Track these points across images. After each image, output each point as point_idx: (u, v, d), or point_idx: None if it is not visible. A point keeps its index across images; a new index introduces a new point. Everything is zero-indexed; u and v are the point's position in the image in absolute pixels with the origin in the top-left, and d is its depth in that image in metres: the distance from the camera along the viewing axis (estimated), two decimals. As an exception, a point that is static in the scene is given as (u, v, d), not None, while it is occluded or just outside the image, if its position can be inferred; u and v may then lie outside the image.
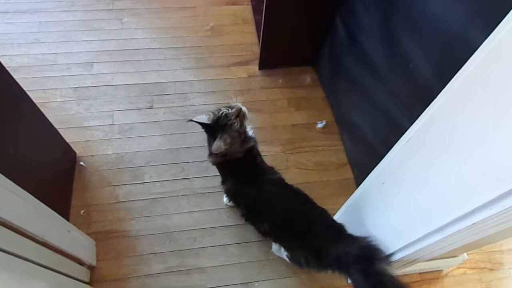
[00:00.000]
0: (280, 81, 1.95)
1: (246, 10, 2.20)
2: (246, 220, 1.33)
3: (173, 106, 1.82)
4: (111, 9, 2.14)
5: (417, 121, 0.85)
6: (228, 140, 1.12)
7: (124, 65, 1.94)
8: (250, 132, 1.25)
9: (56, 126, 1.46)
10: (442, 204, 0.77)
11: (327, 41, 1.77)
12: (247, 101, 1.85)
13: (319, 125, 1.80)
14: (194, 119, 1.16)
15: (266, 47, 1.85)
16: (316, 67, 1.98)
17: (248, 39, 2.09)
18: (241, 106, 1.17)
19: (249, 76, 1.96)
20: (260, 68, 1.97)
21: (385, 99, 1.29)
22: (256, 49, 2.02)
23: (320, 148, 1.75)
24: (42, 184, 1.32)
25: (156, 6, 2.17)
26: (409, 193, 0.91)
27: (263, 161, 1.31)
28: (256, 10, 2.15)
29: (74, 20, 2.08)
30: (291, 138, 1.77)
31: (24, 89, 1.25)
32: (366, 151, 1.52)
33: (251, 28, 2.13)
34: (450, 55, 0.89)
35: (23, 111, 1.27)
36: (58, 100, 1.79)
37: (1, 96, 1.11)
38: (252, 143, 1.23)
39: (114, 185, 1.58)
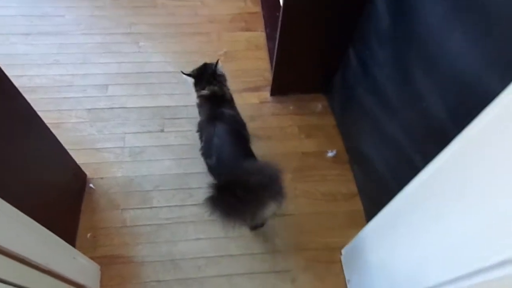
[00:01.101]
0: (291, 107, 1.95)
1: (260, 37, 2.23)
2: (202, 154, 1.45)
3: (184, 130, 1.83)
4: (129, 33, 2.20)
5: (429, 165, 0.82)
6: (221, 68, 1.49)
7: (138, 88, 1.97)
8: None
9: (68, 147, 1.48)
10: (448, 258, 0.74)
11: (339, 69, 1.77)
12: (258, 127, 1.85)
13: (330, 154, 1.78)
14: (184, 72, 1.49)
15: (278, 73, 1.86)
16: (328, 95, 1.97)
17: (260, 65, 2.11)
18: None
19: (261, 102, 1.97)
20: (271, 95, 1.98)
21: (397, 133, 1.27)
22: (269, 76, 2.03)
23: (329, 177, 1.73)
24: (51, 206, 1.33)
25: (172, 31, 2.23)
26: (417, 242, 0.88)
27: (238, 114, 1.53)
28: (269, 37, 2.18)
29: (92, 43, 2.14)
30: (300, 166, 1.75)
31: (41, 109, 1.27)
32: (376, 183, 1.49)
33: (264, 54, 2.16)
34: (465, 99, 0.87)
35: (33, 132, 1.27)
36: (72, 121, 1.82)
37: (11, 117, 1.11)
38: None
39: (122, 209, 1.58)
